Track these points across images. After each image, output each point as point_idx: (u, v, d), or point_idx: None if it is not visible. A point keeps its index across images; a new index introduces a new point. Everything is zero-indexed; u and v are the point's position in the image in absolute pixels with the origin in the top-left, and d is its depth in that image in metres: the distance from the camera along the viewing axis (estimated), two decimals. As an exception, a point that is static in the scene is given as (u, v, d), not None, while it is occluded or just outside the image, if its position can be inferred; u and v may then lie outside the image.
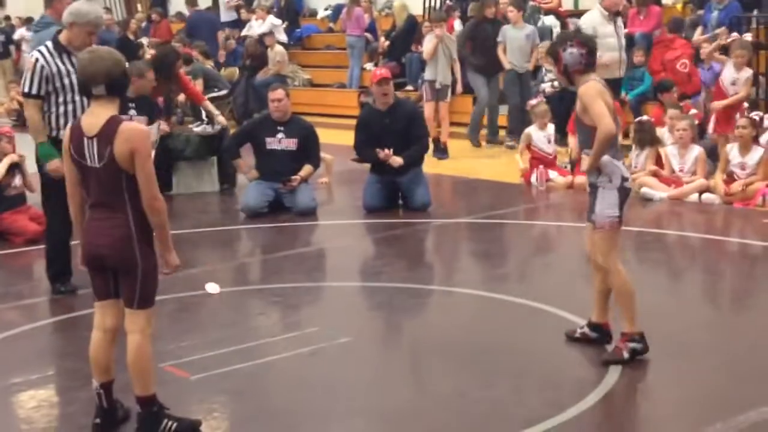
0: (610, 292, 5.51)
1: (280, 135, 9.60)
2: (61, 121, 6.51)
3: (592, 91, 5.21)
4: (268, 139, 9.58)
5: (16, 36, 22.35)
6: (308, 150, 9.69)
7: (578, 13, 16.01)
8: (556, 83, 13.48)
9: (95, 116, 4.37)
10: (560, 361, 5.42)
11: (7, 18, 24.60)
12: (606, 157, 5.26)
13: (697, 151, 9.82)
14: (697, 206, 9.46)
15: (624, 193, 5.34)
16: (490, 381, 5.20)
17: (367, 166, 9.81)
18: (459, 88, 13.01)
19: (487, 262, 7.99)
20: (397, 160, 9.41)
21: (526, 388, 5.13)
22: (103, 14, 7.01)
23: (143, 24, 21.32)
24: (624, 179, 5.32)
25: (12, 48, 22.96)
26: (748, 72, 10.58)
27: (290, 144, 9.60)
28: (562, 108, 12.56)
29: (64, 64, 6.57)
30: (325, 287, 7.31)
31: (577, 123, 5.49)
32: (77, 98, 6.51)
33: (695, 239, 8.44)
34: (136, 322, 4.42)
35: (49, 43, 6.62)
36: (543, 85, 13.49)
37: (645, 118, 10.68)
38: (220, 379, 5.29)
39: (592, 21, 11.20)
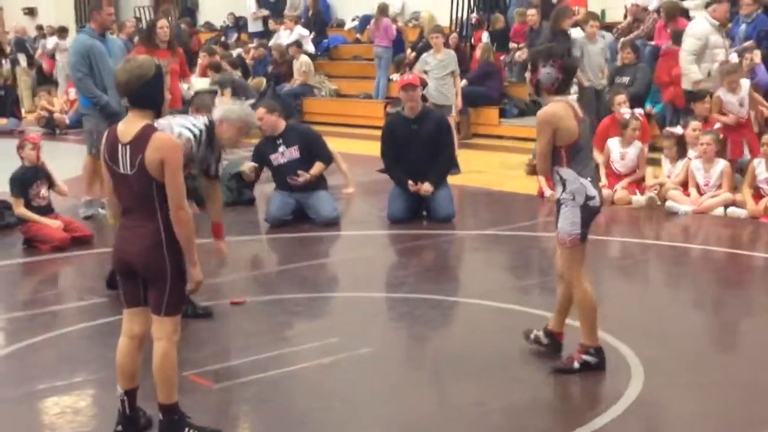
0: (570, 304, 5.56)
1: (281, 148, 9.61)
2: None
3: (543, 118, 5.27)
4: (273, 156, 9.60)
5: (49, 45, 22.54)
6: (313, 151, 9.70)
7: (605, 26, 16.01)
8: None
9: (130, 124, 4.41)
10: (581, 373, 5.42)
11: (39, 27, 24.83)
12: (572, 174, 5.29)
13: (722, 165, 9.79)
14: (722, 220, 9.42)
15: (587, 211, 5.34)
16: (510, 393, 5.22)
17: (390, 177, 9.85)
18: (458, 103, 12.83)
19: (510, 274, 8.00)
20: (428, 189, 9.44)
21: (546, 401, 5.14)
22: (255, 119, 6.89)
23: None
24: (588, 198, 5.32)
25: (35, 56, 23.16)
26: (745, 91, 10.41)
27: (293, 152, 9.62)
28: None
29: (208, 147, 6.29)
30: (347, 297, 7.33)
31: None
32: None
33: (719, 253, 8.41)
34: (163, 329, 4.46)
35: (204, 128, 6.24)
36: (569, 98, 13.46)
37: (677, 129, 10.60)
38: (243, 388, 5.33)
39: (703, 32, 10.94)
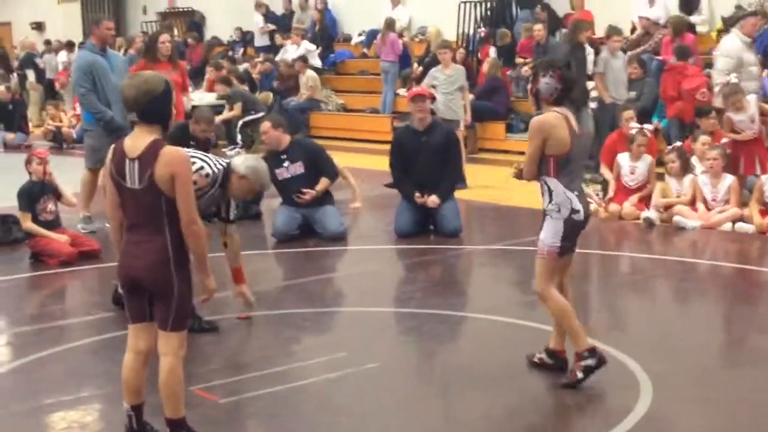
0: None
1: (285, 163, 9.58)
2: None
3: (535, 126, 5.32)
4: (278, 171, 9.55)
5: (61, 59, 22.59)
6: (318, 167, 9.69)
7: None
8: (588, 111, 13.46)
9: (138, 138, 4.39)
10: (589, 389, 5.39)
11: (47, 42, 24.92)
12: (559, 186, 5.31)
13: (729, 180, 9.77)
14: (730, 235, 9.40)
15: (571, 224, 5.34)
16: (517, 408, 5.20)
17: (398, 190, 9.85)
18: (468, 118, 12.80)
19: (517, 289, 7.98)
20: (435, 201, 9.44)
21: (555, 416, 5.12)
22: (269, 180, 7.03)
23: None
24: (573, 211, 5.32)
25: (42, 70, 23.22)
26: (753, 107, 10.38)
27: (297, 168, 9.60)
28: (594, 137, 12.53)
29: (223, 198, 6.39)
30: (354, 312, 7.32)
31: None
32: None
33: (727, 269, 8.39)
34: (169, 345, 4.45)
35: (222, 170, 6.30)
36: (576, 112, 13.48)
37: (679, 144, 10.60)
38: (249, 403, 5.32)
39: (736, 49, 10.87)
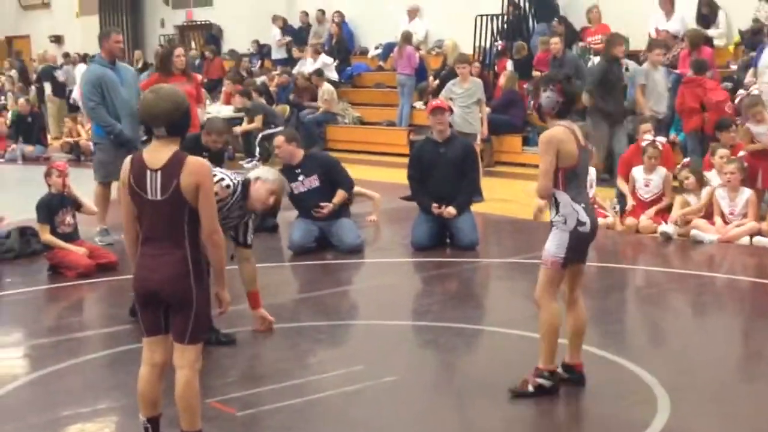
0: (582, 333, 5.56)
1: (300, 177, 9.61)
2: None
3: (545, 140, 5.32)
4: (294, 185, 9.57)
5: (78, 72, 22.67)
6: (333, 180, 9.72)
7: (628, 54, 16.00)
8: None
9: (158, 151, 4.43)
10: (606, 402, 5.38)
11: (66, 55, 25.06)
12: (566, 198, 5.32)
13: (747, 193, 9.74)
14: (748, 249, 9.36)
15: (577, 236, 5.36)
16: (534, 421, 5.19)
17: (415, 203, 9.85)
18: (484, 131, 12.79)
19: (533, 302, 7.95)
20: (451, 213, 9.44)
21: (572, 430, 5.09)
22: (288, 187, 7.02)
23: (197, 61, 21.66)
24: (580, 223, 5.34)
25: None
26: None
27: (312, 182, 9.63)
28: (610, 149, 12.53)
29: (240, 210, 6.39)
30: (370, 325, 7.32)
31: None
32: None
33: (745, 283, 8.36)
34: (186, 357, 4.46)
35: (240, 183, 6.34)
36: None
37: (687, 160, 10.55)
38: (266, 416, 5.33)
39: None
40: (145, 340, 4.57)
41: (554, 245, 5.37)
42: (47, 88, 22.83)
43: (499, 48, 17.12)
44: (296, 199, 9.68)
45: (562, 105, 5.39)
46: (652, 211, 10.21)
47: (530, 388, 5.36)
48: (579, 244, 5.41)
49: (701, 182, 10.11)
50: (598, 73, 12.59)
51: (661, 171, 10.41)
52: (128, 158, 4.55)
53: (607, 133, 12.27)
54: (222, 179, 6.20)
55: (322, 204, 9.52)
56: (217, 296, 4.75)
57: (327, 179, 9.66)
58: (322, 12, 21.52)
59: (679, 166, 10.73)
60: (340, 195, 9.66)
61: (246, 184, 6.34)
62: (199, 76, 14.15)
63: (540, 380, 5.36)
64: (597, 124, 12.16)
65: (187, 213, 4.38)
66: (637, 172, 10.48)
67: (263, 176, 6.42)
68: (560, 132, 5.35)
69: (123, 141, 9.59)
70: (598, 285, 8.71)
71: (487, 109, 14.25)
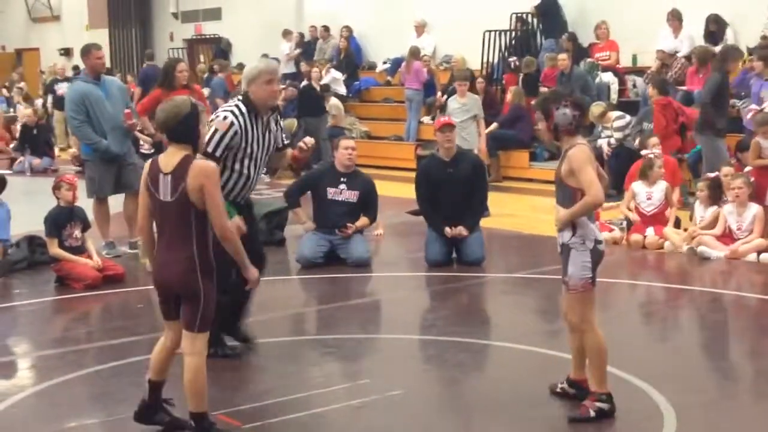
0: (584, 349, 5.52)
1: (342, 186, 9.65)
2: (237, 188, 6.31)
3: (583, 155, 5.27)
4: (331, 190, 9.62)
5: None
6: (367, 204, 9.76)
7: (636, 70, 16.04)
8: (612, 140, 13.48)
9: (171, 156, 4.91)
10: (613, 419, 5.37)
11: (75, 68, 25.16)
12: (583, 218, 5.30)
13: (755, 209, 9.73)
14: (755, 266, 9.35)
15: (597, 254, 5.34)
16: (541, 438, 5.18)
17: (422, 218, 9.86)
18: (483, 147, 12.53)
19: (540, 318, 7.97)
20: (463, 233, 9.44)
21: (577, 447, 5.09)
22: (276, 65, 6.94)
23: (205, 75, 21.73)
24: (597, 242, 5.33)
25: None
26: None
27: (351, 196, 9.66)
28: (618, 165, 12.54)
29: (254, 127, 6.32)
30: (377, 339, 7.33)
31: (558, 183, 5.45)
32: (252, 168, 6.33)
33: (752, 299, 8.34)
34: (194, 345, 4.90)
35: (241, 104, 6.28)
36: (600, 141, 13.48)
37: (714, 174, 10.51)
38: (272, 429, 5.33)
39: None
40: (165, 322, 5.10)
41: (578, 268, 5.32)
42: (49, 100, 22.91)
43: (513, 65, 17.07)
44: (325, 203, 9.65)
45: (578, 118, 5.33)
46: (658, 227, 10.16)
47: (591, 413, 5.29)
48: (597, 262, 5.39)
49: (714, 198, 10.08)
50: (713, 86, 11.95)
51: (662, 184, 10.41)
52: (148, 161, 5.05)
53: (712, 146, 11.76)
54: (217, 116, 6.26)
55: (348, 225, 9.53)
56: (245, 275, 5.16)
57: (363, 201, 9.70)
58: (326, 29, 21.53)
59: (701, 179, 10.62)
60: (363, 221, 9.69)
61: (243, 99, 6.31)
62: (206, 91, 14.17)
63: (599, 404, 5.31)
64: (716, 144, 11.69)
65: (194, 214, 4.83)
66: (638, 186, 10.48)
67: (249, 75, 6.34)
68: (587, 149, 5.33)
69: (110, 157, 9.62)
70: (605, 301, 8.71)
71: (494, 125, 14.25)
